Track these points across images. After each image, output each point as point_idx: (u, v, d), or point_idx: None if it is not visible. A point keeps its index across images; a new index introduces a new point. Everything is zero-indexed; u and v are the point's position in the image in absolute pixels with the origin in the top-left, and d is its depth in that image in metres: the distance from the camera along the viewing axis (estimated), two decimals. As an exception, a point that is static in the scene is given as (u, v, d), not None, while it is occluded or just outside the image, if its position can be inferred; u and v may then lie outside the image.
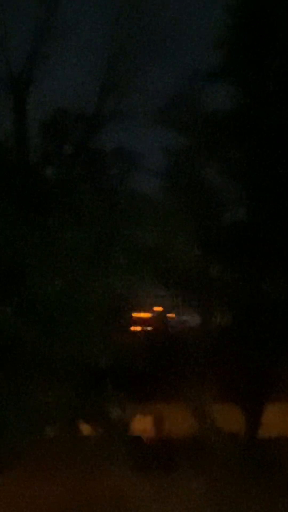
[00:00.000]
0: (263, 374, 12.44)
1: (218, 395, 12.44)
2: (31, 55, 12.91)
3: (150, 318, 13.78)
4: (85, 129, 13.35)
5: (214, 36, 13.02)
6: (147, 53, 12.98)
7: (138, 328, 13.34)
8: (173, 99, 13.39)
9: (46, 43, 12.96)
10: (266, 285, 13.16)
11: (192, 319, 13.78)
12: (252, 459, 11.59)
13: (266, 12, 13.01)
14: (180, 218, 12.15)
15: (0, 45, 12.79)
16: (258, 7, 13.07)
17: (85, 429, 12.45)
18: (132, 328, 13.18)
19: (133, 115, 13.05)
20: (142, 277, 12.24)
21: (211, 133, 13.26)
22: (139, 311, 13.55)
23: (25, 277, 11.56)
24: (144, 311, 13.69)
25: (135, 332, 13.19)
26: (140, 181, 13.21)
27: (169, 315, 14.04)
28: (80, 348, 11.24)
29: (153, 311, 13.90)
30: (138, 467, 11.00)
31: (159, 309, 13.97)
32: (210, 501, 10.52)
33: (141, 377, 12.01)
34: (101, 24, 12.93)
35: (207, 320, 13.68)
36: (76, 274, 11.67)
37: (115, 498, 10.46)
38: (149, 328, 13.57)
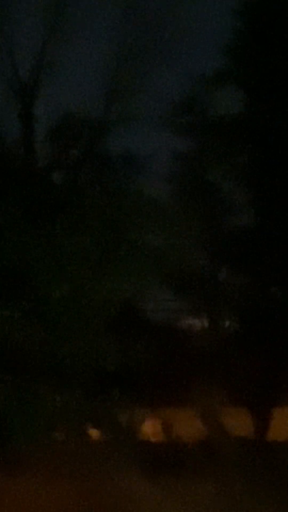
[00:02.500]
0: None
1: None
2: (38, 60, 12.97)
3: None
4: (92, 134, 13.38)
5: (221, 41, 13.08)
6: (154, 58, 13.04)
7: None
8: (180, 104, 13.43)
9: (52, 49, 13.01)
10: (274, 289, 13.19)
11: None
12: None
13: (272, 17, 13.04)
14: (187, 222, 12.18)
15: (7, 51, 12.90)
16: (265, 12, 13.10)
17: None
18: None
19: (140, 120, 13.10)
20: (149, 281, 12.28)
21: (218, 137, 13.28)
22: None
23: (33, 281, 11.58)
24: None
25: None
26: (147, 185, 13.20)
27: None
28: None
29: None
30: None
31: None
32: (218, 505, 10.50)
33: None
34: (107, 29, 12.99)
35: (213, 324, 13.68)
36: (84, 278, 11.69)
37: (123, 500, 10.45)
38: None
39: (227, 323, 13.71)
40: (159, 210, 12.62)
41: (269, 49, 13.15)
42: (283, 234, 12.83)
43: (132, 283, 12.09)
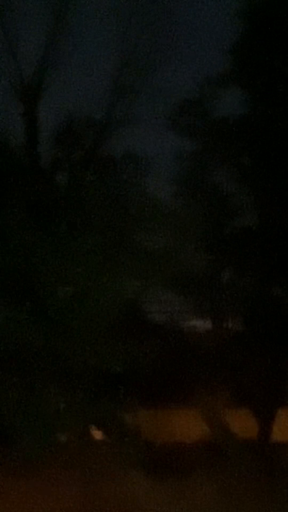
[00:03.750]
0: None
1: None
2: (42, 61, 12.97)
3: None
4: (96, 135, 13.39)
5: (225, 42, 13.08)
6: (158, 58, 13.03)
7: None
8: (184, 104, 13.43)
9: (56, 49, 13.01)
10: (278, 291, 13.21)
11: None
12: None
13: (277, 17, 13.03)
14: (191, 224, 12.20)
15: (11, 52, 12.90)
16: (269, 12, 13.09)
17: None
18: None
19: (143, 121, 13.10)
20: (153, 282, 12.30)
21: (222, 138, 13.28)
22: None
23: (36, 282, 11.60)
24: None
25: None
26: (151, 186, 13.22)
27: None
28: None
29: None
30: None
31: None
32: (220, 506, 10.53)
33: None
34: (111, 30, 12.95)
35: (217, 325, 13.69)
36: (87, 279, 11.71)
37: (127, 501, 10.47)
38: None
39: (231, 325, 13.71)
40: (163, 211, 12.64)
41: (273, 50, 13.15)
42: (286, 235, 12.85)
43: (136, 285, 12.11)
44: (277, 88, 13.12)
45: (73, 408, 11.34)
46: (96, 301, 11.65)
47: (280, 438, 12.89)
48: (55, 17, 12.98)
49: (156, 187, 13.08)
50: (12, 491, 10.38)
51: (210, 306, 13.56)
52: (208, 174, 13.68)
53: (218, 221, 13.22)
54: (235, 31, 13.16)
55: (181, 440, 12.90)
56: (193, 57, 13.06)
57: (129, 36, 13.02)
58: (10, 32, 12.89)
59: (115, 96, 13.17)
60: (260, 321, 12.98)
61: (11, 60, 12.88)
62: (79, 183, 13.12)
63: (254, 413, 12.92)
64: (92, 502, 10.31)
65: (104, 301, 11.65)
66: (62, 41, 12.98)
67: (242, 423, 12.83)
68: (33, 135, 13.08)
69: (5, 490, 10.37)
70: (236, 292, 13.33)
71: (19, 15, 12.83)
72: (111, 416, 11.99)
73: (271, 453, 12.42)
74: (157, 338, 12.28)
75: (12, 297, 11.57)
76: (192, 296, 13.42)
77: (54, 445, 11.38)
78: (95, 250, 11.75)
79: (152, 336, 12.29)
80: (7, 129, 12.97)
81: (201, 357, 12.49)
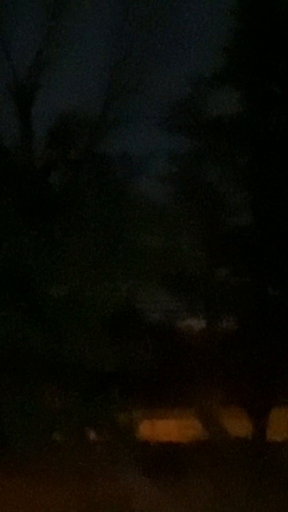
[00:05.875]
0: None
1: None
2: (36, 62, 12.99)
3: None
4: (90, 134, 13.40)
5: (219, 42, 13.12)
6: (152, 59, 13.06)
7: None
8: (178, 104, 13.46)
9: (51, 50, 13.02)
10: (272, 290, 13.24)
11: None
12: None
13: (270, 18, 13.08)
14: (185, 223, 12.22)
15: (5, 52, 12.92)
16: (262, 12, 13.14)
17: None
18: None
19: (138, 120, 13.13)
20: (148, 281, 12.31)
21: (216, 138, 13.31)
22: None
23: (31, 282, 11.60)
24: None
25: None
26: (145, 186, 13.25)
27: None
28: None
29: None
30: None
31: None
32: (217, 505, 10.51)
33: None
34: (105, 31, 13.00)
35: (212, 324, 13.70)
36: (82, 278, 11.72)
37: (122, 501, 10.44)
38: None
39: (225, 324, 13.72)
40: (158, 210, 12.65)
41: (267, 49, 13.20)
42: (281, 234, 12.88)
43: (131, 284, 12.12)
44: (271, 88, 13.14)
45: (68, 406, 11.35)
46: (91, 300, 11.66)
47: (275, 437, 12.91)
48: (50, 17, 13.02)
49: (150, 186, 13.17)
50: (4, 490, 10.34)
51: (204, 306, 13.57)
52: (203, 173, 13.71)
53: (213, 220, 13.24)
54: (229, 31, 13.22)
55: (176, 439, 12.93)
56: (187, 57, 13.14)
57: (124, 37, 13.07)
58: (5, 33, 12.94)
59: (110, 96, 13.20)
60: (255, 321, 13.01)
61: (6, 61, 12.94)
62: (73, 182, 13.15)
63: (249, 412, 12.94)
64: (85, 501, 10.28)
65: (99, 300, 11.66)
66: (57, 41, 13.02)
67: (237, 422, 12.85)
68: (28, 135, 13.09)
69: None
70: (231, 291, 13.33)
71: (14, 16, 12.88)
72: (105, 415, 11.99)
73: (266, 452, 12.43)
74: (152, 337, 12.30)
75: (7, 296, 11.57)
76: (186, 295, 13.43)
77: (49, 444, 11.39)
78: (89, 250, 11.76)
79: (147, 335, 12.31)
80: (2, 129, 13.01)
81: (196, 357, 12.50)
